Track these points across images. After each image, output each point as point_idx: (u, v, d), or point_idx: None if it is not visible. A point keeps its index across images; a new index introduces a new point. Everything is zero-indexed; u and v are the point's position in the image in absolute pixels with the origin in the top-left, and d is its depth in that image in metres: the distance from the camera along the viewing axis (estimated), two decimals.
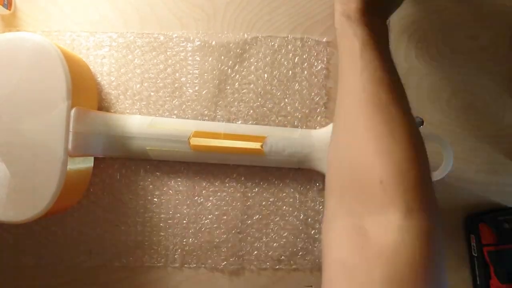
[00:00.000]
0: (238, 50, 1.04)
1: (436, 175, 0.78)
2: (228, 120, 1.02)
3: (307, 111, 1.03)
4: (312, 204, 1.02)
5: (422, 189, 0.57)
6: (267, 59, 1.04)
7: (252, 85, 1.03)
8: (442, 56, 1.06)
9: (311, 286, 1.02)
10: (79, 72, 0.89)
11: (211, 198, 1.01)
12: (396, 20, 1.06)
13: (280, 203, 1.02)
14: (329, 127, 0.96)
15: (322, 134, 0.96)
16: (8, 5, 0.98)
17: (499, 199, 1.05)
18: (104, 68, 1.02)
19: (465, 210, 1.05)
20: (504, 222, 0.99)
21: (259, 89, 1.03)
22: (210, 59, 1.03)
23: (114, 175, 1.01)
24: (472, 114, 1.06)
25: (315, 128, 1.02)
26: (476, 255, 1.01)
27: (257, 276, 1.02)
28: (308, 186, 1.02)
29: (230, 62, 1.03)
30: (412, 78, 1.05)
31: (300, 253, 1.01)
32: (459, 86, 1.06)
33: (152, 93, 1.02)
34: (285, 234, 1.01)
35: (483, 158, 1.06)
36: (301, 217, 1.01)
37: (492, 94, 1.06)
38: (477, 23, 1.07)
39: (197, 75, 1.03)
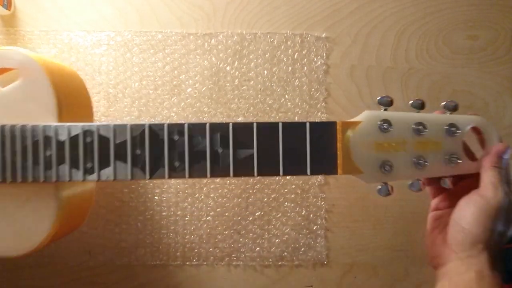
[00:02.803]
0: (237, 47, 1.08)
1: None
2: (228, 117, 1.07)
3: (307, 107, 1.07)
4: (314, 200, 1.06)
5: None
6: (266, 55, 1.08)
7: (251, 82, 1.08)
8: (442, 56, 1.11)
9: (311, 286, 1.07)
10: (68, 86, 0.87)
11: (212, 195, 1.05)
12: (396, 20, 1.11)
13: (282, 199, 1.06)
14: None
15: None
16: (8, 5, 1.03)
17: None
18: (102, 66, 1.06)
19: None
20: None
21: (259, 85, 1.08)
22: (209, 56, 1.08)
23: None
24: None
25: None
26: None
27: (259, 274, 1.06)
28: (310, 182, 1.07)
29: (229, 59, 1.08)
30: (412, 78, 1.10)
31: (303, 249, 1.06)
32: (459, 86, 1.11)
33: (151, 91, 1.06)
34: (287, 230, 1.06)
35: None
36: (303, 213, 1.06)
37: (492, 94, 1.11)
38: (477, 23, 1.12)
39: (196, 72, 1.07)
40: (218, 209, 1.05)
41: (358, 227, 1.08)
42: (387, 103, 0.73)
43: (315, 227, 1.06)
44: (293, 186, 1.06)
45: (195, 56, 1.08)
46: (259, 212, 1.05)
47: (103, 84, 1.06)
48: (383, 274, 1.07)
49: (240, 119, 1.06)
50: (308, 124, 0.70)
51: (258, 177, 1.06)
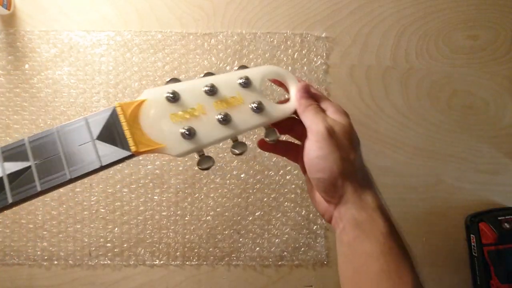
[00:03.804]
0: (237, 47, 1.09)
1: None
2: None
3: None
4: None
5: None
6: (266, 55, 1.09)
7: None
8: (442, 56, 1.12)
9: (311, 286, 1.07)
10: None
11: (212, 195, 1.06)
12: (396, 20, 1.12)
13: (282, 199, 1.06)
14: None
15: None
16: (8, 5, 1.04)
17: (499, 199, 1.11)
18: (102, 66, 1.07)
19: (465, 210, 1.10)
20: (504, 222, 1.04)
21: None
22: (209, 56, 1.09)
23: (114, 174, 1.06)
24: (472, 114, 1.12)
25: None
26: (476, 255, 1.07)
27: (259, 274, 1.06)
28: None
29: (229, 59, 1.09)
30: (412, 78, 1.11)
31: (302, 248, 1.06)
32: (459, 86, 1.12)
33: None
34: (287, 230, 1.06)
35: (483, 158, 1.11)
36: (303, 213, 1.06)
37: (492, 94, 1.12)
38: (477, 23, 1.13)
39: (196, 72, 1.08)
40: (218, 209, 1.06)
41: None
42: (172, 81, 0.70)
43: (315, 227, 1.06)
44: (293, 186, 1.07)
45: (195, 56, 1.08)
46: (259, 212, 1.06)
47: (103, 84, 1.07)
48: None
49: None
50: (84, 121, 0.63)
51: (257, 177, 1.06)
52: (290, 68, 1.09)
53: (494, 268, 1.04)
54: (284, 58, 1.09)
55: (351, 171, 0.66)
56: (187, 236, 1.05)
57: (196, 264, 1.05)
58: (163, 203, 1.05)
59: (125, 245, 1.04)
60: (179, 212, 1.05)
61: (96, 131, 0.63)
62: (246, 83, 0.70)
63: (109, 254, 1.04)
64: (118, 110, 0.64)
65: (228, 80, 0.70)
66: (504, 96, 1.11)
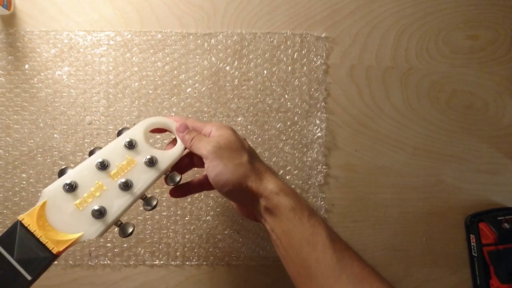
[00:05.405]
0: (236, 47, 1.09)
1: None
2: (228, 117, 1.07)
3: (307, 106, 1.08)
4: (314, 200, 1.07)
5: None
6: (266, 55, 1.09)
7: (251, 82, 1.08)
8: (442, 56, 1.12)
9: None
10: None
11: (212, 195, 1.06)
12: (396, 20, 1.11)
13: None
14: None
15: None
16: (8, 5, 1.03)
17: (499, 199, 1.10)
18: (102, 66, 1.07)
19: (465, 210, 1.10)
20: (504, 222, 1.04)
21: (259, 85, 1.08)
22: (209, 56, 1.08)
23: None
24: (472, 114, 1.12)
25: (314, 123, 1.08)
26: (476, 255, 1.06)
27: (259, 274, 1.06)
28: (309, 182, 1.07)
29: (229, 59, 1.09)
30: (412, 78, 1.11)
31: None
32: (459, 86, 1.12)
33: (150, 91, 1.07)
34: None
35: (483, 158, 1.11)
36: None
37: (492, 94, 1.12)
38: (477, 23, 1.13)
39: (195, 72, 1.08)
40: (218, 209, 1.06)
41: (358, 227, 1.08)
42: (63, 172, 0.73)
43: None
44: (293, 186, 1.06)
45: (195, 56, 1.08)
46: None
47: (103, 84, 1.06)
48: (383, 274, 1.06)
49: (239, 119, 1.07)
50: None
51: None
52: (290, 68, 1.08)
53: (494, 268, 1.04)
54: (284, 58, 1.08)
55: (248, 171, 0.77)
56: (187, 236, 1.05)
57: (196, 264, 1.05)
58: (163, 203, 1.05)
59: (125, 245, 1.04)
60: (179, 212, 1.05)
61: (12, 252, 0.64)
62: (131, 144, 0.77)
63: (109, 254, 1.04)
64: (24, 222, 0.66)
65: (114, 149, 0.77)
66: (504, 96, 1.11)
